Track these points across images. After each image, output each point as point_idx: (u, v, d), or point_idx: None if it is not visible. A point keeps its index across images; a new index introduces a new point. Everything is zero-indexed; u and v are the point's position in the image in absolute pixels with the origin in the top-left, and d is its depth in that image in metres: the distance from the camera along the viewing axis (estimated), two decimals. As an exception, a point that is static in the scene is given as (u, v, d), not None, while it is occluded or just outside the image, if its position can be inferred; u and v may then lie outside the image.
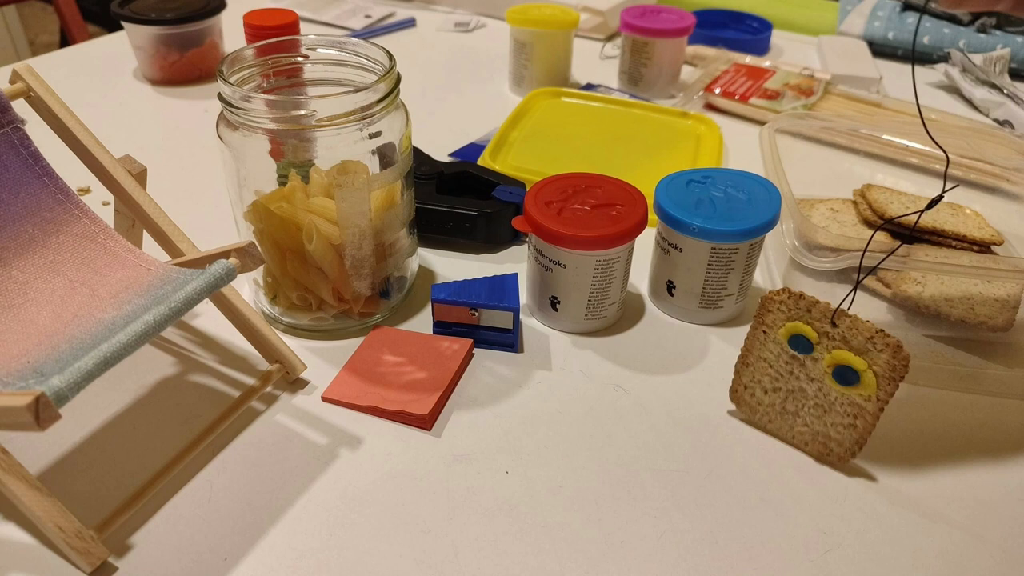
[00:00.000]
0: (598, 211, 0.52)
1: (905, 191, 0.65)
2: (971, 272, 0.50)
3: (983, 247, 0.60)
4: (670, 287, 0.56)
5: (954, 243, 0.60)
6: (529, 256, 0.55)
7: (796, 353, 0.44)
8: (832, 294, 0.58)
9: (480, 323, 0.53)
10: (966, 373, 0.53)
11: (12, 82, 0.47)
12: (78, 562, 0.39)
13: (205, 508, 0.42)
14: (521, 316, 0.56)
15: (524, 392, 0.50)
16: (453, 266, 0.62)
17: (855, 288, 0.41)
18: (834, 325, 0.42)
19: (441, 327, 0.54)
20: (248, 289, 0.57)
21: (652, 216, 0.59)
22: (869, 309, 0.58)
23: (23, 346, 0.39)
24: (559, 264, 0.52)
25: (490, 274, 0.59)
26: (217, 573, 0.39)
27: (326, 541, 0.41)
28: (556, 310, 0.54)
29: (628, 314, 0.57)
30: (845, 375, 0.43)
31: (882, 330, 0.41)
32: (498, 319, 0.53)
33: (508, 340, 0.53)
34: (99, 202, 0.68)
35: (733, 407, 0.49)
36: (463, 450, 0.46)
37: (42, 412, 0.33)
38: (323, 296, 0.52)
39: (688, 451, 0.47)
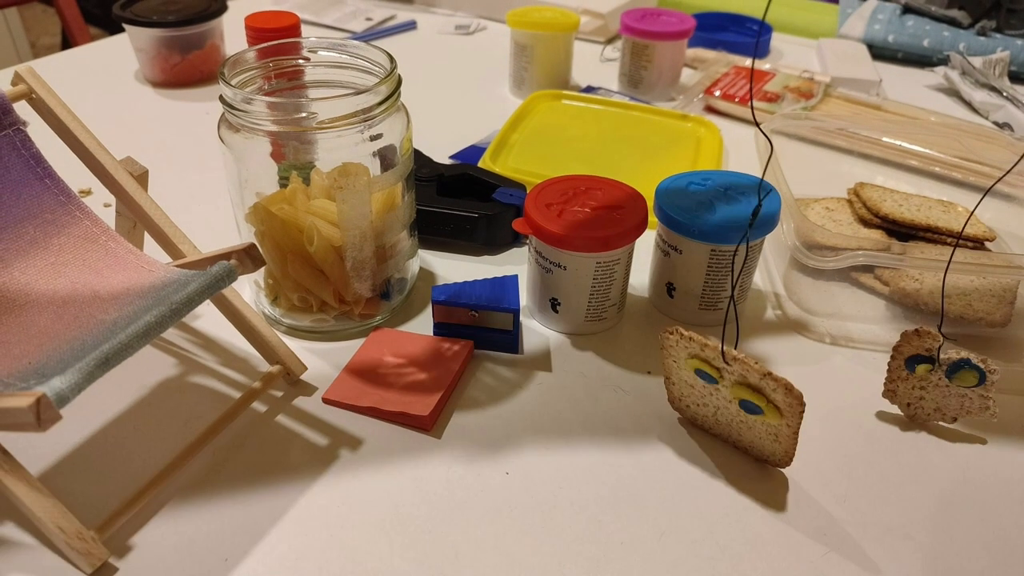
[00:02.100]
0: (598, 213, 0.52)
1: (896, 189, 0.66)
2: (968, 269, 0.50)
3: (977, 243, 0.61)
4: (670, 289, 0.56)
5: (948, 240, 0.60)
6: (529, 258, 0.55)
7: (707, 383, 0.45)
8: (829, 292, 0.59)
9: (480, 324, 0.53)
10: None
11: (14, 84, 0.47)
12: (79, 563, 0.39)
13: (205, 509, 0.43)
14: (521, 317, 0.57)
15: (524, 393, 0.50)
16: (453, 268, 0.62)
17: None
18: (728, 363, 0.42)
19: (441, 328, 0.54)
20: (249, 291, 0.57)
21: (652, 218, 0.59)
22: (867, 307, 0.58)
23: (24, 347, 0.39)
24: (559, 266, 0.52)
25: (490, 276, 0.59)
26: (218, 573, 0.39)
27: (326, 541, 0.41)
28: (556, 312, 0.54)
29: (628, 316, 0.57)
30: (750, 407, 0.43)
31: (770, 372, 0.40)
32: (498, 320, 0.53)
33: (508, 341, 0.53)
34: (101, 204, 0.68)
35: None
36: (463, 450, 0.46)
37: (43, 413, 0.33)
38: (324, 298, 0.52)
39: (688, 450, 0.47)
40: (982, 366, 0.46)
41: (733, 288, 0.43)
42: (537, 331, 0.56)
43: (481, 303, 0.52)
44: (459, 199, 0.64)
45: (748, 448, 0.46)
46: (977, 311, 0.55)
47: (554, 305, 0.54)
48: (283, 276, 0.52)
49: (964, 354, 0.46)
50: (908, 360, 0.47)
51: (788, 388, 0.40)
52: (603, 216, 0.52)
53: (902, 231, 0.62)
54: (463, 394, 0.50)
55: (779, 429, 0.43)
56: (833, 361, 0.54)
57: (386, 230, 0.52)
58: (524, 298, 0.58)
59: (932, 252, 0.52)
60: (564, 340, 0.55)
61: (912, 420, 0.49)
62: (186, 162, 0.76)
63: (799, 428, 0.42)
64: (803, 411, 0.41)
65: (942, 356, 0.46)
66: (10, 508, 0.42)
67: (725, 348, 0.42)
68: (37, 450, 0.46)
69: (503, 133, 0.78)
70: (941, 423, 0.49)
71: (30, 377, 0.37)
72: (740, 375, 0.42)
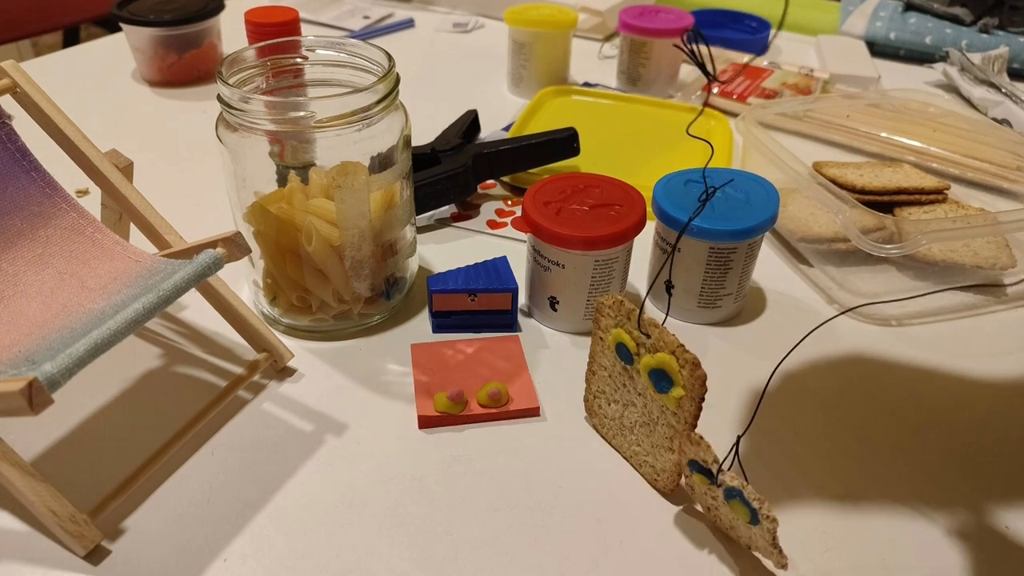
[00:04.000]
0: (597, 211, 0.52)
1: (847, 161, 0.70)
2: (990, 230, 0.54)
3: (938, 193, 0.65)
4: (669, 287, 0.56)
5: (922, 198, 0.64)
6: (528, 256, 0.55)
7: (625, 364, 0.43)
8: (855, 273, 0.59)
9: (479, 308, 0.54)
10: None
11: None
12: (72, 546, 0.39)
13: (195, 493, 0.43)
14: (520, 317, 0.57)
15: (523, 392, 0.50)
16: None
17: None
18: (647, 336, 0.40)
19: (440, 317, 0.54)
20: (248, 290, 0.57)
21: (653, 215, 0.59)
22: (880, 279, 0.59)
23: (14, 336, 0.40)
24: (558, 264, 0.52)
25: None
26: (208, 555, 0.40)
27: (326, 541, 0.41)
28: (555, 310, 0.54)
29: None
30: (660, 380, 0.40)
31: (682, 345, 0.39)
32: (497, 301, 0.53)
33: (507, 321, 0.54)
34: (98, 204, 0.68)
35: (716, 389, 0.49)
36: (463, 450, 0.46)
37: (35, 397, 0.34)
38: (323, 297, 0.52)
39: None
40: (756, 505, 0.36)
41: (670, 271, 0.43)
42: (537, 330, 0.56)
43: (479, 286, 0.52)
44: (431, 168, 0.67)
45: (641, 464, 0.44)
46: (987, 258, 0.59)
47: (553, 304, 0.54)
48: (281, 276, 0.52)
49: (737, 483, 0.37)
50: (690, 462, 0.40)
51: (694, 366, 0.38)
52: (601, 214, 0.52)
53: (877, 200, 0.64)
54: (462, 393, 0.50)
55: (678, 431, 0.41)
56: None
57: (385, 229, 0.52)
58: (523, 297, 0.58)
59: (918, 213, 0.56)
60: (564, 339, 0.55)
61: (714, 524, 0.42)
62: (183, 162, 0.76)
63: (695, 425, 0.39)
64: (703, 398, 0.38)
65: (719, 478, 0.38)
66: (3, 495, 0.43)
67: (643, 316, 0.40)
68: (26, 440, 0.46)
69: (516, 130, 0.79)
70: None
71: (20, 364, 0.37)
72: (655, 348, 0.40)
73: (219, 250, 0.43)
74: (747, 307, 0.58)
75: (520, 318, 0.56)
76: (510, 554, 0.40)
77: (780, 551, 0.36)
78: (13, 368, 0.37)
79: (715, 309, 0.55)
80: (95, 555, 0.40)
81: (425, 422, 0.47)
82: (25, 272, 0.44)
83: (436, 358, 0.51)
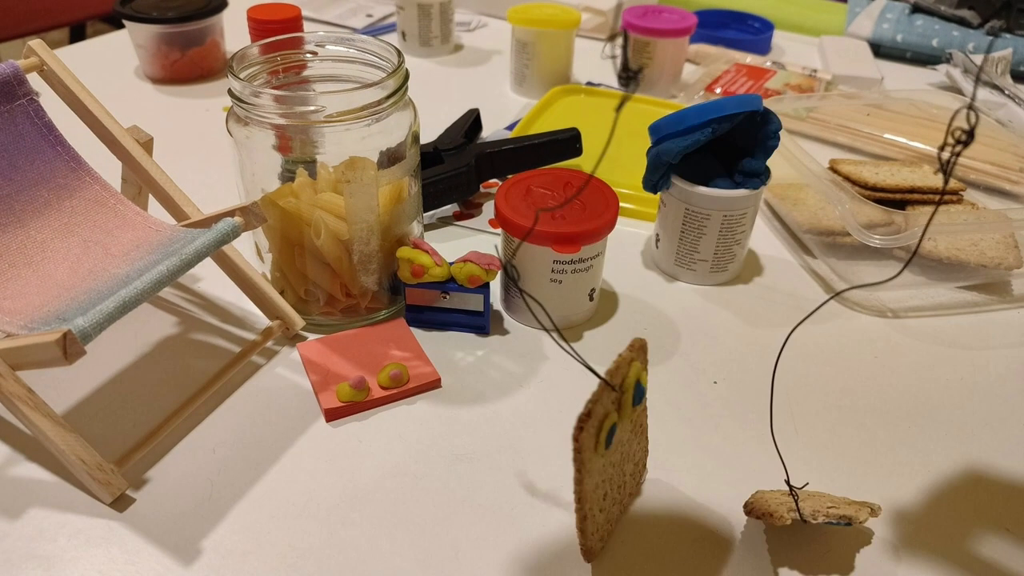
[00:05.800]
0: (566, 213, 0.52)
1: (863, 160, 0.70)
2: (992, 228, 0.56)
3: (954, 194, 0.65)
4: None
5: (934, 197, 0.64)
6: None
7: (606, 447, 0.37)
8: (855, 264, 0.59)
9: (451, 306, 0.54)
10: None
11: (26, 57, 0.49)
12: (99, 493, 0.41)
13: (213, 448, 0.45)
14: (507, 313, 0.57)
15: (525, 391, 0.50)
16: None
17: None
18: (614, 389, 0.36)
19: (413, 311, 0.55)
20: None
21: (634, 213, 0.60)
22: (888, 272, 0.61)
23: (44, 298, 0.42)
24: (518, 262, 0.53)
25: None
26: (225, 506, 0.42)
27: (326, 540, 0.41)
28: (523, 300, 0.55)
29: (615, 306, 0.58)
30: (640, 391, 0.38)
31: (628, 348, 0.37)
32: (469, 301, 0.54)
33: (479, 323, 0.54)
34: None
35: (720, 386, 0.49)
36: (463, 450, 0.46)
37: (69, 347, 0.36)
38: (330, 291, 0.52)
39: (685, 446, 0.47)
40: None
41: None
42: (539, 327, 0.56)
43: (453, 285, 0.53)
44: (434, 167, 0.67)
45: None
46: (993, 257, 0.59)
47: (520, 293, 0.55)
48: (290, 269, 0.52)
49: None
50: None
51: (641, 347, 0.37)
52: (571, 217, 0.52)
53: (890, 198, 0.65)
54: (463, 392, 0.50)
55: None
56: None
57: (393, 224, 0.52)
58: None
59: (930, 212, 0.56)
60: (542, 336, 0.55)
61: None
62: (186, 159, 0.76)
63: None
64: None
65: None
66: (30, 448, 0.44)
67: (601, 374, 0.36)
68: (52, 398, 0.48)
69: (522, 127, 0.79)
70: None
71: (51, 321, 0.40)
72: (623, 378, 0.37)
73: (237, 219, 0.45)
74: (743, 291, 0.59)
75: (508, 316, 0.56)
76: (511, 554, 0.40)
77: None
78: (46, 324, 0.39)
79: (723, 272, 0.59)
80: (120, 503, 0.42)
81: (332, 414, 0.47)
82: (52, 240, 0.46)
83: (324, 355, 0.51)
